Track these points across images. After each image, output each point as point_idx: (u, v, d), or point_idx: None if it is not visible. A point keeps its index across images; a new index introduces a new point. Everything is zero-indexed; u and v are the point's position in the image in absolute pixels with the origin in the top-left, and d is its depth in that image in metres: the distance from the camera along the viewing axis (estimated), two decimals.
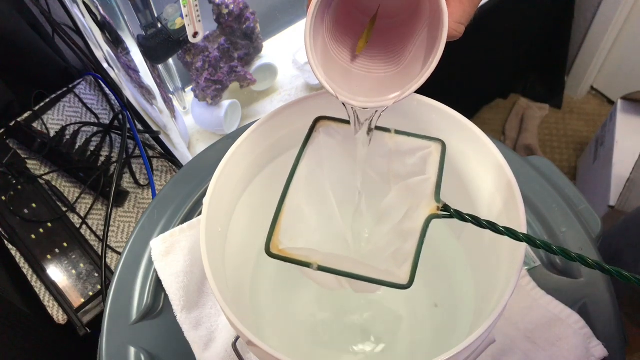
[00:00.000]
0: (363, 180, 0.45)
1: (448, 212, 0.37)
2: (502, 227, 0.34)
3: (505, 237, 0.40)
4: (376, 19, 0.40)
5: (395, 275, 0.35)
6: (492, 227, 0.34)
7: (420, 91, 0.42)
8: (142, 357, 0.51)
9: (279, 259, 0.37)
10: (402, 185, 0.43)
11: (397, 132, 0.42)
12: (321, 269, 0.36)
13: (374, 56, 0.40)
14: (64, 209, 0.89)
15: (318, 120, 0.43)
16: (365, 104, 0.36)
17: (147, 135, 0.97)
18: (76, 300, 0.81)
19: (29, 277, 0.83)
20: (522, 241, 0.33)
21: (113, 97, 1.00)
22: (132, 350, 0.51)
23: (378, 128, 0.41)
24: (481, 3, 0.36)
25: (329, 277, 0.40)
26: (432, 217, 0.37)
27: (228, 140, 0.64)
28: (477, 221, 0.35)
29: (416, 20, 0.38)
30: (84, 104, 1.01)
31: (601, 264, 0.30)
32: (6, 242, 0.86)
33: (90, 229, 0.88)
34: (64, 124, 0.97)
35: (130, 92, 0.94)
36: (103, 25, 0.75)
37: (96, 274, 0.84)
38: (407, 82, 0.36)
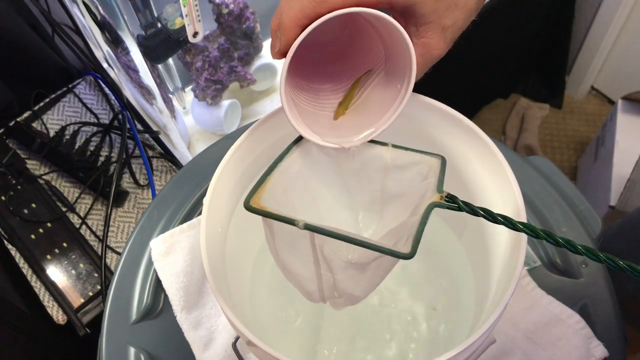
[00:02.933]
0: (354, 197, 0.43)
1: (455, 203, 0.34)
2: (520, 222, 0.32)
3: (505, 237, 0.40)
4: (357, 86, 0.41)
5: (397, 247, 0.32)
6: (508, 222, 0.32)
7: (421, 91, 0.42)
8: (142, 358, 0.51)
9: (257, 213, 0.33)
10: (399, 201, 0.41)
11: (395, 146, 0.40)
12: (308, 227, 0.32)
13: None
14: (64, 209, 0.89)
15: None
16: (347, 144, 0.39)
17: (146, 135, 0.97)
18: (76, 300, 0.81)
19: (28, 277, 0.83)
20: (541, 238, 0.32)
21: (113, 97, 1.00)
22: (132, 350, 0.51)
23: (375, 142, 0.40)
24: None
25: (311, 282, 0.38)
26: (435, 205, 0.34)
27: (228, 140, 0.64)
28: (490, 215, 0.33)
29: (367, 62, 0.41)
30: (84, 104, 1.00)
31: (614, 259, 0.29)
32: (6, 242, 0.86)
33: (90, 229, 0.88)
34: (64, 124, 0.97)
35: (130, 92, 0.94)
36: (103, 25, 0.75)
37: (96, 274, 0.84)
38: (373, 119, 0.39)
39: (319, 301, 0.40)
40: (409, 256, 0.31)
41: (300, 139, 0.40)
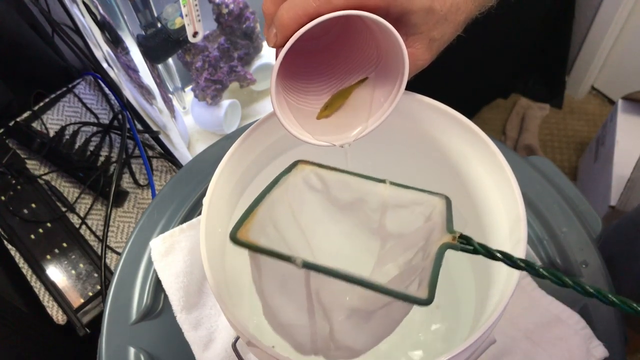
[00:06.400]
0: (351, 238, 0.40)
1: (470, 245, 0.31)
2: (544, 269, 0.29)
3: (505, 237, 0.40)
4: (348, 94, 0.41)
5: (411, 291, 0.28)
6: (531, 268, 0.29)
7: (421, 91, 0.42)
8: (142, 358, 0.51)
9: (247, 247, 0.29)
10: (398, 242, 0.38)
11: (393, 183, 0.37)
12: (307, 266, 0.27)
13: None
14: (64, 209, 0.89)
15: (297, 163, 0.37)
16: (342, 141, 0.39)
17: (146, 135, 0.97)
18: (76, 300, 0.81)
19: (28, 278, 0.83)
20: (569, 287, 0.29)
21: (112, 97, 1.00)
22: (132, 350, 0.51)
23: (371, 178, 0.37)
24: None
25: (303, 332, 0.33)
26: (448, 246, 0.31)
27: (228, 140, 0.64)
28: (509, 259, 0.29)
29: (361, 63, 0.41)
30: (84, 104, 1.00)
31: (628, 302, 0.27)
32: (5, 242, 0.86)
33: (90, 229, 0.88)
34: (64, 124, 0.97)
35: (129, 92, 0.94)
36: (103, 25, 0.75)
37: (96, 274, 0.84)
38: (362, 119, 0.40)
39: (311, 354, 0.34)
40: (427, 302, 0.27)
41: (290, 168, 0.37)
